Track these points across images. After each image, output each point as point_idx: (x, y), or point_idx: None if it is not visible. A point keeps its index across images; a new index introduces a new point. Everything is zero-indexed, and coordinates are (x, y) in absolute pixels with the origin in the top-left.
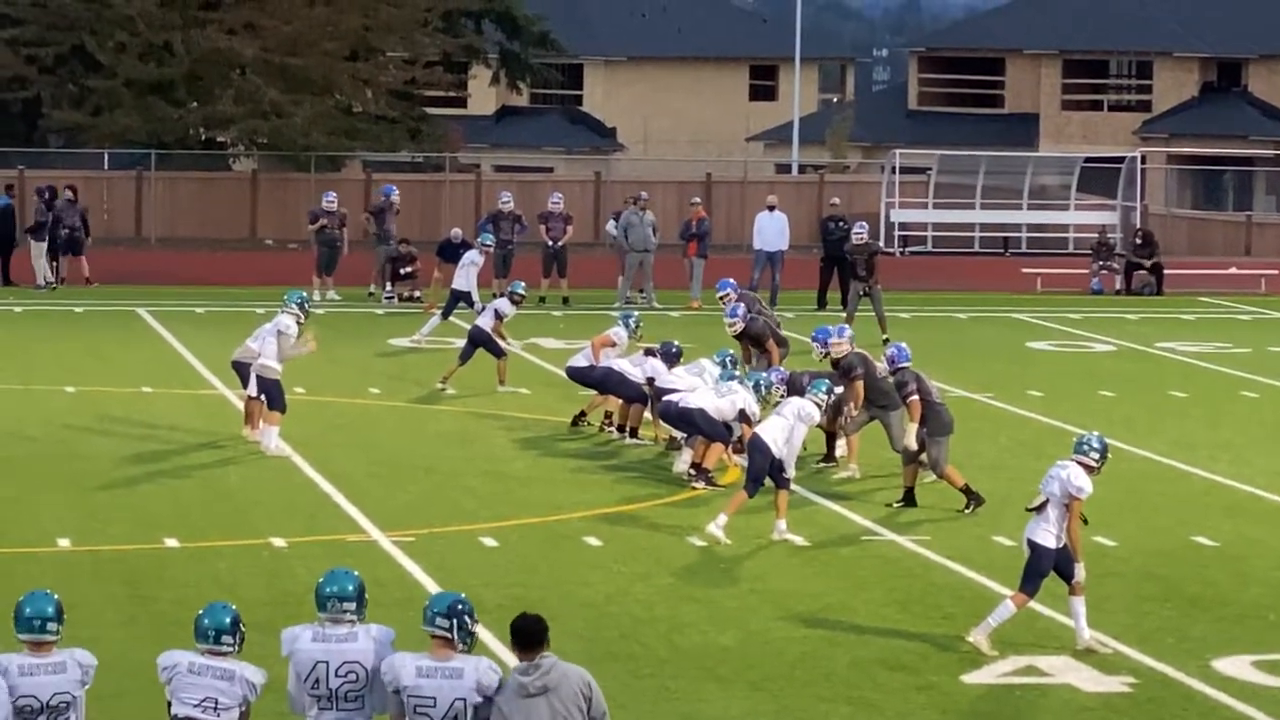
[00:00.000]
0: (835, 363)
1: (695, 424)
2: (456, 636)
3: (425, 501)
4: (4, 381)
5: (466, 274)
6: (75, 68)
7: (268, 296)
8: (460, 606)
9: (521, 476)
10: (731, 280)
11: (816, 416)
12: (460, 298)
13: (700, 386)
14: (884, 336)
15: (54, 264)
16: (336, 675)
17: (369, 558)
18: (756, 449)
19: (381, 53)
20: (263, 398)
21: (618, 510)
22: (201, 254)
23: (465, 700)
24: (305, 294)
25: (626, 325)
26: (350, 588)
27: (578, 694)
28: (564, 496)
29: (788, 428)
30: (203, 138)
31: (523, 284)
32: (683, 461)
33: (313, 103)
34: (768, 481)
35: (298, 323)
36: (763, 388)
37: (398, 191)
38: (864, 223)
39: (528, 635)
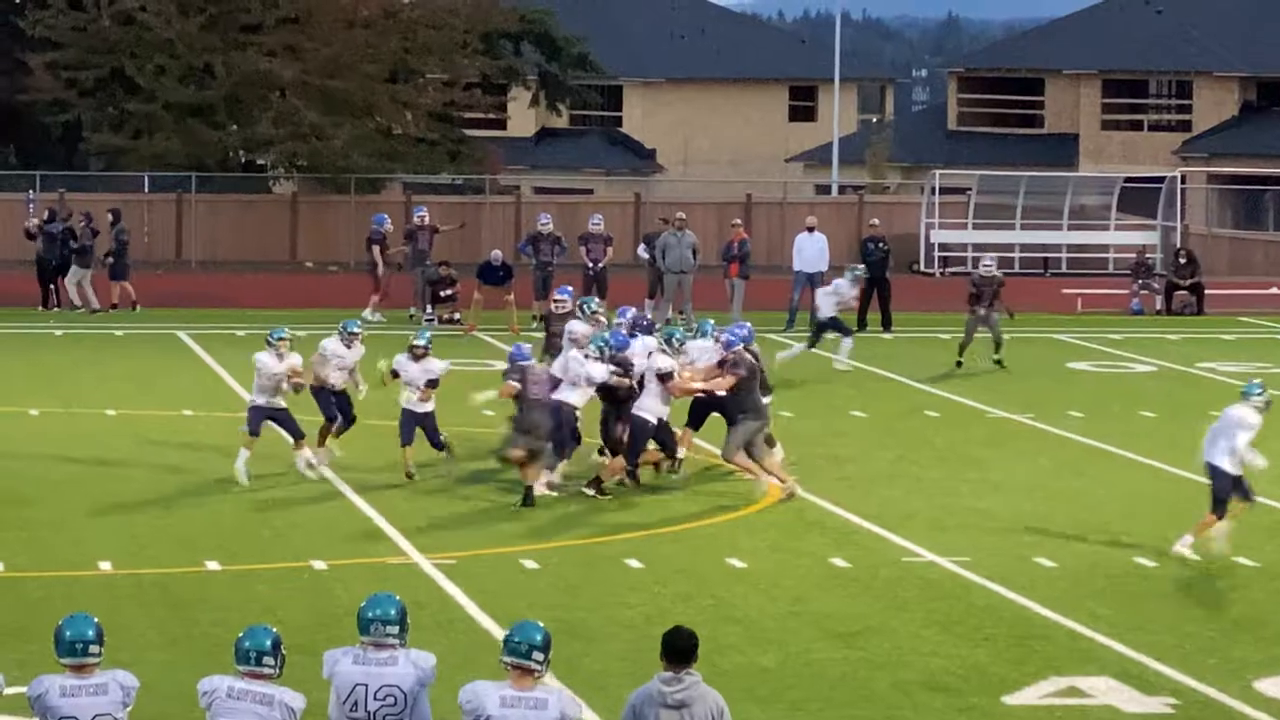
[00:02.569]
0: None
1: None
2: (545, 669)
3: (466, 524)
4: (45, 405)
5: (830, 300)
6: (115, 91)
7: (308, 319)
8: (549, 638)
9: (562, 498)
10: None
11: (1253, 421)
12: (828, 326)
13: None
14: (995, 357)
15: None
16: (375, 698)
17: (410, 580)
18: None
19: (421, 75)
20: (339, 419)
21: (658, 532)
22: (242, 276)
23: None
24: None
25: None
26: (393, 611)
27: (709, 715)
28: (605, 518)
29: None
30: (243, 160)
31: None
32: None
33: (352, 125)
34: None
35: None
36: (674, 339)
37: (426, 210)
38: (993, 255)
39: (676, 649)
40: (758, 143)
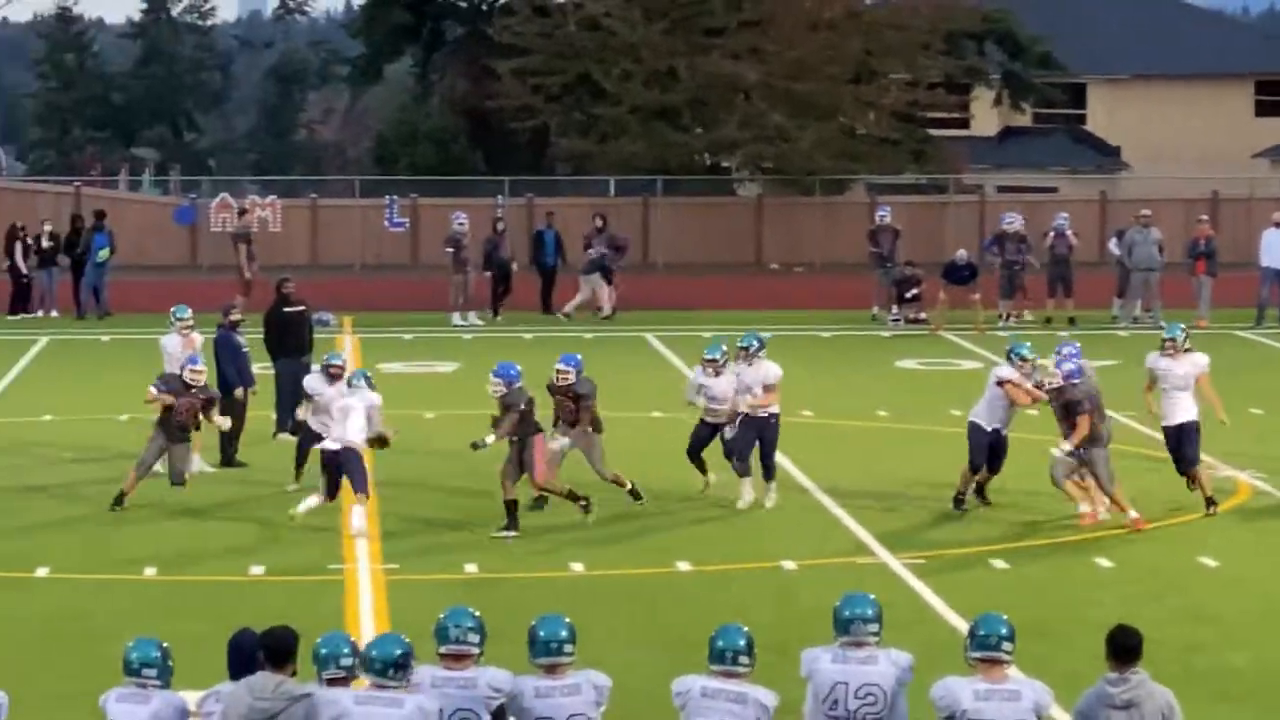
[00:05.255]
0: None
1: None
2: (1013, 659)
3: (933, 523)
4: None
5: None
6: (581, 96)
7: (774, 320)
8: (1013, 628)
9: (1026, 495)
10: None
11: None
12: None
13: None
14: None
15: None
16: (855, 697)
17: (879, 579)
18: None
19: (884, 75)
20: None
21: (1128, 530)
22: (707, 279)
23: None
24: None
25: (1011, 358)
26: (870, 611)
27: (1159, 713)
28: (1071, 517)
29: None
30: (708, 163)
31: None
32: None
33: (817, 127)
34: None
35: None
36: (1015, 354)
37: (889, 210)
38: None
39: (1122, 647)
40: (1223, 138)
